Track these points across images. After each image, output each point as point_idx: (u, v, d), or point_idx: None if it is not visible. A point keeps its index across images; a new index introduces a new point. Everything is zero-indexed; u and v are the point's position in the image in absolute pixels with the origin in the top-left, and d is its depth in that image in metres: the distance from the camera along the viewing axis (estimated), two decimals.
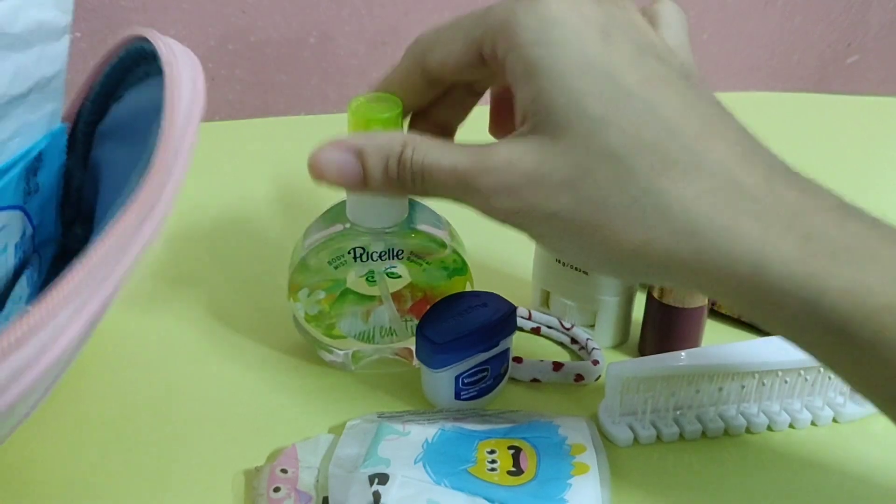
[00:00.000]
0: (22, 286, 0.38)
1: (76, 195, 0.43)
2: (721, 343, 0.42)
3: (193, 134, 0.33)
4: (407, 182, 0.33)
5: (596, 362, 0.44)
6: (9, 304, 0.37)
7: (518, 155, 0.31)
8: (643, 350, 0.46)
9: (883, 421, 0.42)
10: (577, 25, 0.30)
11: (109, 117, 0.41)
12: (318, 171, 0.34)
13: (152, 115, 0.35)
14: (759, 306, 0.30)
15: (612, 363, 0.40)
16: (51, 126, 0.39)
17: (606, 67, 0.30)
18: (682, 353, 0.41)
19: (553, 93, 0.30)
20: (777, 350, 0.41)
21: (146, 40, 0.37)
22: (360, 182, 0.34)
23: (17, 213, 0.37)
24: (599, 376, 0.44)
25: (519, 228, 0.32)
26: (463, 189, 0.32)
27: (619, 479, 0.38)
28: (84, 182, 0.42)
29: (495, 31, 0.32)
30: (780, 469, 0.40)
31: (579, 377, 0.44)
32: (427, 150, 0.32)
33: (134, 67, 0.39)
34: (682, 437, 0.41)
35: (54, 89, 0.38)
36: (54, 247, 0.42)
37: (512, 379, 0.44)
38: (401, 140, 0.33)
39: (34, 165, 0.37)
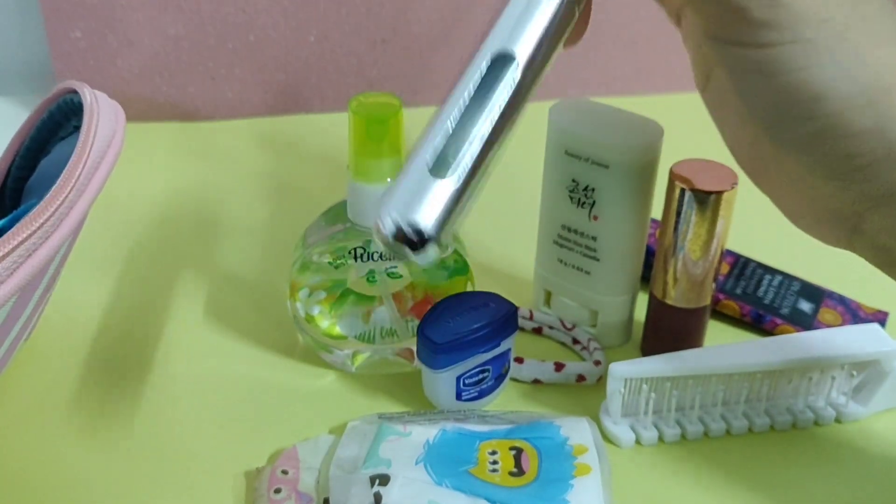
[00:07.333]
0: None
1: None
2: (723, 343, 0.42)
3: (108, 165, 0.34)
4: None
5: (598, 363, 0.44)
6: None
7: None
8: (645, 350, 0.46)
9: (884, 421, 0.42)
10: None
11: (37, 172, 0.40)
12: None
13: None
14: None
15: (614, 364, 0.40)
16: None
17: None
18: (685, 353, 0.41)
19: None
20: (779, 350, 0.41)
21: (75, 92, 0.36)
22: None
23: None
24: (601, 377, 0.44)
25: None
26: None
27: (621, 480, 0.38)
28: None
29: None
30: (783, 469, 0.40)
31: (581, 378, 0.43)
32: None
33: (65, 122, 0.39)
34: (683, 437, 0.41)
35: None
36: None
37: (513, 379, 0.44)
38: None
39: None
